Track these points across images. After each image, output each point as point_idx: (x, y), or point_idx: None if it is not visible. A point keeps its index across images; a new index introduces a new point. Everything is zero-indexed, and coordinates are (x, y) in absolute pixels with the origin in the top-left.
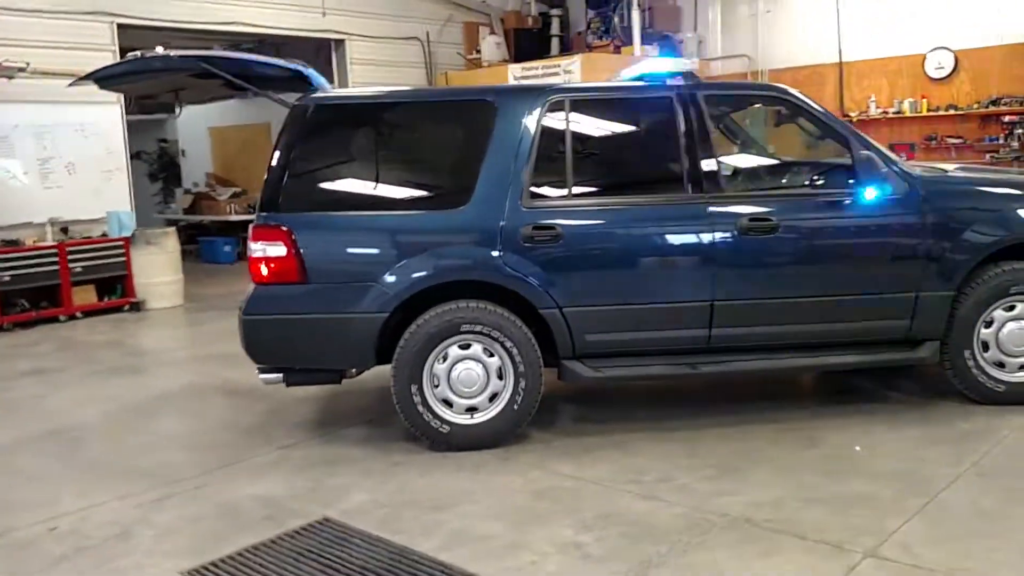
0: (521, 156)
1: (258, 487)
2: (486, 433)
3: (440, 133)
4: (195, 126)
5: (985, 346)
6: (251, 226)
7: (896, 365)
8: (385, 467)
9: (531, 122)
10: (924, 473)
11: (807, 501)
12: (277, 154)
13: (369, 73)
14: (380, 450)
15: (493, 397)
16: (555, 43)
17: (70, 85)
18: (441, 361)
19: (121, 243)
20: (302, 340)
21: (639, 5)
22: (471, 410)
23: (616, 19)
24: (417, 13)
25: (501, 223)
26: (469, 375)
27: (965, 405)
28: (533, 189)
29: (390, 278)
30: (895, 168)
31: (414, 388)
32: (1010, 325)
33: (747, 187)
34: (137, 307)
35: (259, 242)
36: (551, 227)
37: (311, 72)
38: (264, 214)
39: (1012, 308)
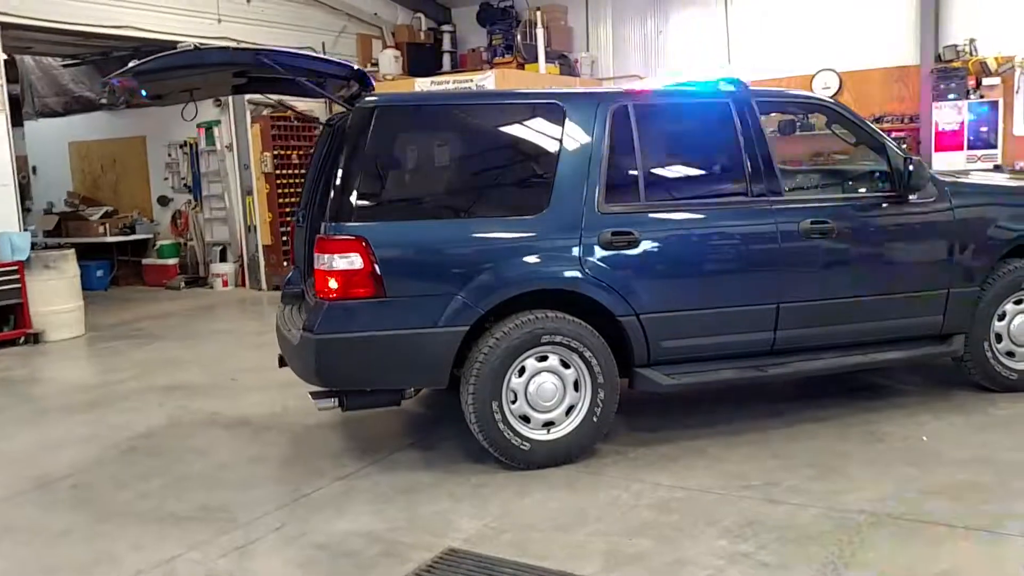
0: (594, 160)
1: (347, 522)
2: (565, 448)
3: (509, 136)
4: (49, 141)
5: (998, 338)
6: (318, 237)
7: (933, 359)
8: (469, 491)
9: (601, 126)
10: (1001, 458)
11: (921, 492)
12: (343, 160)
13: None
14: (450, 472)
15: (569, 410)
16: (447, 59)
17: (109, 78)
18: (518, 375)
19: (15, 268)
20: (379, 359)
21: (540, 24)
22: (547, 425)
23: (518, 37)
24: (312, 23)
25: (580, 229)
26: (548, 388)
27: (979, 393)
28: (608, 194)
29: (472, 289)
30: (929, 173)
31: (495, 405)
32: (1019, 318)
33: (803, 191)
34: (35, 338)
35: (330, 254)
36: (628, 232)
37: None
38: (334, 224)
39: (1020, 302)
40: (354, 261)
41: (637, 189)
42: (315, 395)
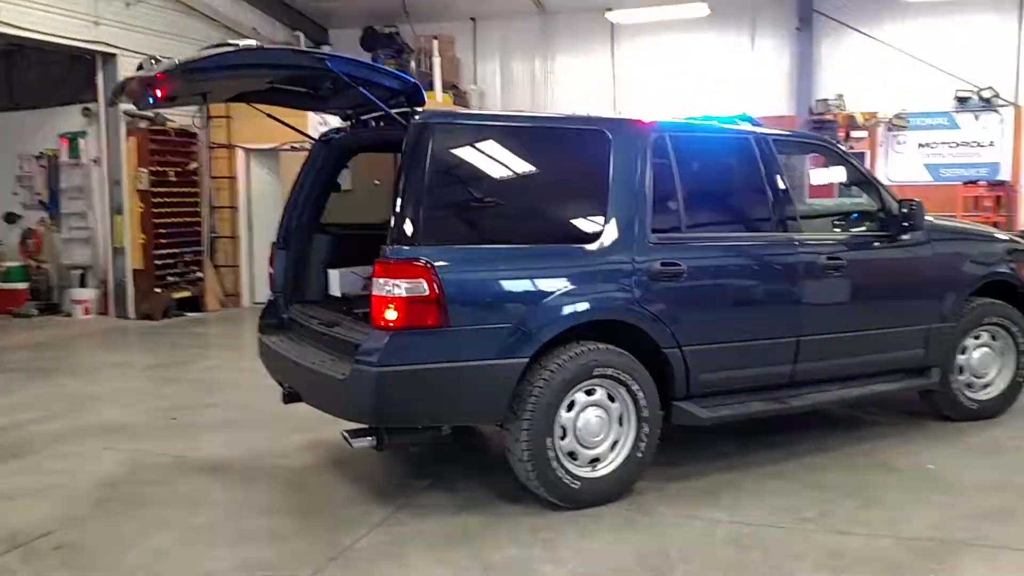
0: (640, 189)
1: (424, 574)
2: (611, 485)
3: (561, 161)
4: None
5: (960, 370)
6: (378, 262)
7: (913, 390)
8: (529, 535)
9: (643, 156)
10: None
11: (968, 518)
12: (402, 180)
13: None
14: (494, 514)
15: (614, 445)
16: None
17: (135, 76)
18: (567, 409)
19: None
20: (441, 393)
21: (437, 53)
22: (593, 462)
23: (413, 65)
24: (191, 33)
25: (632, 259)
26: (594, 423)
27: (942, 423)
28: (652, 224)
29: (533, 318)
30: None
31: (548, 441)
32: (977, 352)
33: (815, 228)
34: None
35: (393, 279)
36: (675, 263)
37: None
38: (395, 247)
39: (978, 337)
40: (420, 287)
41: (678, 220)
42: (352, 433)
